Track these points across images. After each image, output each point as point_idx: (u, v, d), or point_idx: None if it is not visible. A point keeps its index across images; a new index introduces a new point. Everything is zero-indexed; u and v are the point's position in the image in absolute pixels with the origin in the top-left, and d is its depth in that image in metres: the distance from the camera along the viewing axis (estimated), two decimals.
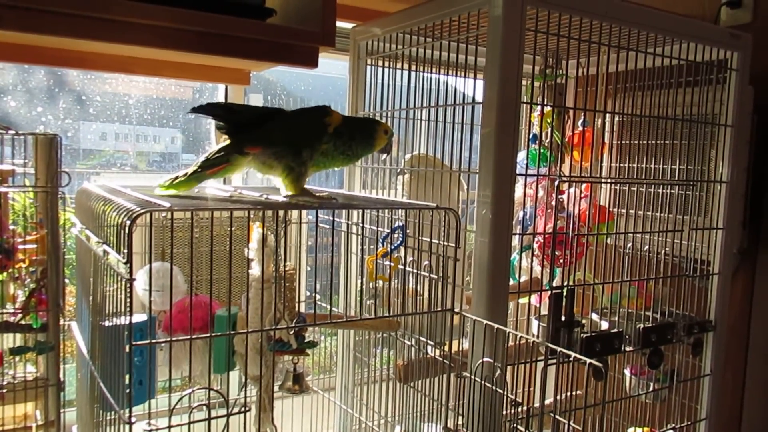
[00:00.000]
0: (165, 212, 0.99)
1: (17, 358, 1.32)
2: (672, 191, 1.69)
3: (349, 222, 1.64)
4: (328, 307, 1.37)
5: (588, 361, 1.02)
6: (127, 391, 0.99)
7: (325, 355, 2.07)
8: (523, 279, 1.74)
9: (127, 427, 0.99)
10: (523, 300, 1.86)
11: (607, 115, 1.89)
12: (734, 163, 1.70)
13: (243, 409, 1.05)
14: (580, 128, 1.82)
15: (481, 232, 1.35)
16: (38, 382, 1.25)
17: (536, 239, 1.70)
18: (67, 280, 1.68)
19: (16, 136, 1.20)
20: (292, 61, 1.38)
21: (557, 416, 1.09)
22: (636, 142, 1.78)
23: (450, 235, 1.32)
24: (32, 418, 1.32)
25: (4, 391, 1.20)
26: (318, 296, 1.52)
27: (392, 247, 1.43)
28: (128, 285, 0.97)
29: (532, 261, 1.75)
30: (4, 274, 1.21)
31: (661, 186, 1.70)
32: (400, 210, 1.58)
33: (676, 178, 1.67)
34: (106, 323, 1.13)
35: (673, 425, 1.69)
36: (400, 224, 1.44)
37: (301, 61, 1.39)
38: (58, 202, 1.21)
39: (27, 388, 1.23)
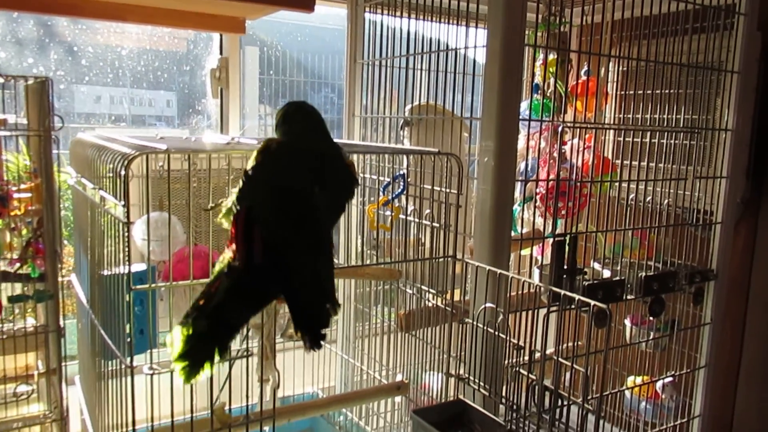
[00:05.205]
0: (161, 154, 0.97)
1: (17, 311, 1.32)
2: (675, 141, 1.66)
3: None
4: None
5: (592, 303, 1.02)
6: (128, 338, 0.98)
7: None
8: (524, 230, 1.73)
9: (129, 374, 0.99)
10: (525, 251, 1.85)
11: (611, 64, 1.86)
12: (740, 110, 1.67)
13: (245, 354, 1.05)
14: (583, 78, 1.79)
15: (483, 180, 1.33)
16: (38, 329, 1.25)
17: (538, 190, 1.68)
18: (66, 242, 1.67)
19: (6, 81, 1.17)
20: (287, 4, 1.34)
21: (560, 359, 1.09)
22: (640, 92, 1.75)
23: (452, 181, 1.30)
24: (34, 368, 1.32)
25: (4, 337, 1.20)
26: None
27: (393, 196, 1.41)
28: (126, 229, 0.95)
29: (534, 213, 1.73)
30: (0, 222, 1.20)
31: (665, 135, 1.67)
32: (402, 158, 1.56)
33: (681, 127, 1.65)
34: (105, 272, 1.12)
35: (673, 372, 1.70)
36: (401, 173, 1.42)
37: (296, 4, 1.35)
38: (52, 146, 1.18)
39: (27, 335, 1.22)
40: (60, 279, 1.31)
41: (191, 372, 0.86)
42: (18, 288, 1.26)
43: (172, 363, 0.87)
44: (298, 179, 0.93)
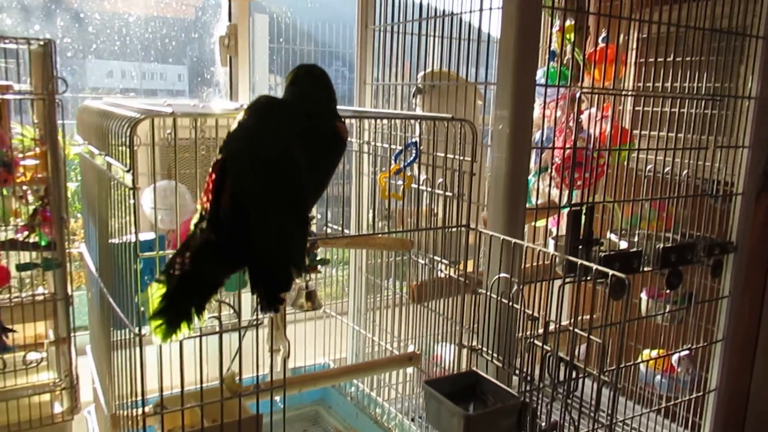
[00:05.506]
0: (168, 119, 0.95)
1: (27, 280, 1.31)
2: (696, 111, 1.61)
3: (361, 141, 1.59)
4: (340, 228, 1.33)
5: (611, 272, 0.99)
6: (137, 307, 0.97)
7: (338, 286, 2.06)
8: (539, 202, 1.69)
9: (138, 344, 0.98)
10: (539, 223, 1.82)
11: (631, 30, 1.80)
12: (765, 77, 1.62)
13: (255, 323, 1.03)
14: (601, 45, 1.73)
15: (498, 148, 1.29)
16: (46, 297, 1.24)
17: (553, 160, 1.64)
18: (79, 215, 1.66)
19: (8, 44, 1.14)
20: None
21: (576, 329, 1.06)
22: (660, 59, 1.69)
23: (466, 149, 1.27)
24: (45, 336, 1.32)
25: (12, 305, 1.19)
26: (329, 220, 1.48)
27: (405, 164, 1.38)
28: (132, 195, 0.93)
29: (550, 184, 1.69)
30: (6, 189, 1.18)
31: (686, 104, 1.62)
32: (414, 126, 1.52)
33: (703, 94, 1.59)
34: (114, 240, 1.10)
35: (689, 345, 1.67)
36: (414, 140, 1.39)
37: None
38: (56, 110, 1.16)
39: (35, 303, 1.22)
40: (69, 250, 1.30)
41: (167, 331, 0.84)
42: (28, 256, 1.25)
43: (147, 321, 0.85)
44: (279, 137, 0.90)
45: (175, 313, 0.84)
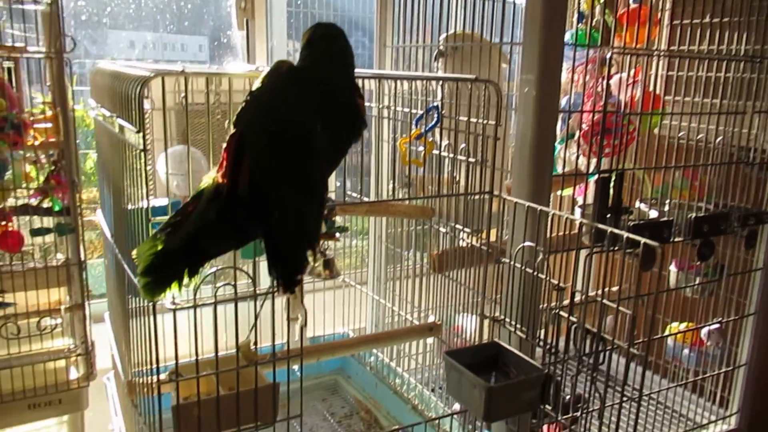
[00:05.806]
0: (180, 77, 0.91)
1: (44, 245, 1.31)
2: (734, 74, 1.53)
3: (380, 105, 1.54)
4: (359, 195, 1.30)
5: (642, 240, 0.94)
6: None
7: (358, 256, 2.03)
8: (565, 170, 1.63)
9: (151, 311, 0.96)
10: (566, 192, 1.76)
11: None
12: None
13: (272, 291, 1.00)
14: (633, 5, 1.65)
15: (524, 112, 1.24)
16: (59, 263, 1.23)
17: (581, 126, 1.58)
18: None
19: (15, 5, 1.11)
20: None
21: (605, 301, 1.02)
22: (696, 21, 1.60)
23: (490, 112, 1.21)
24: (63, 302, 1.31)
25: (25, 270, 1.19)
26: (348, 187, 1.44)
27: (426, 129, 1.33)
28: (143, 156, 0.90)
29: (577, 152, 1.63)
30: (24, 151, 1.16)
31: (722, 67, 1.54)
32: (436, 90, 1.47)
33: (741, 56, 1.51)
34: (128, 206, 1.08)
35: (719, 319, 1.62)
36: (435, 104, 1.34)
37: None
38: (64, 68, 1.13)
39: (47, 268, 1.21)
40: (86, 218, 1.28)
41: (156, 289, 0.82)
42: (43, 221, 1.24)
43: (137, 278, 0.83)
44: (301, 113, 0.86)
45: (168, 273, 0.82)
